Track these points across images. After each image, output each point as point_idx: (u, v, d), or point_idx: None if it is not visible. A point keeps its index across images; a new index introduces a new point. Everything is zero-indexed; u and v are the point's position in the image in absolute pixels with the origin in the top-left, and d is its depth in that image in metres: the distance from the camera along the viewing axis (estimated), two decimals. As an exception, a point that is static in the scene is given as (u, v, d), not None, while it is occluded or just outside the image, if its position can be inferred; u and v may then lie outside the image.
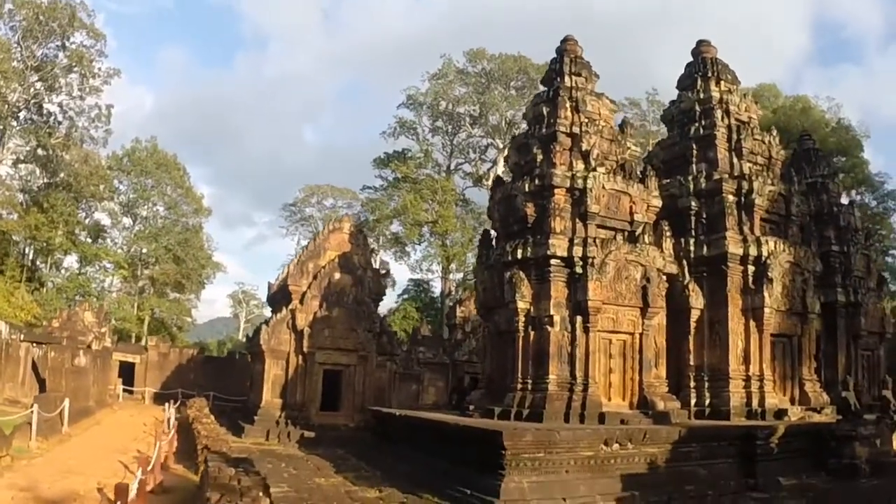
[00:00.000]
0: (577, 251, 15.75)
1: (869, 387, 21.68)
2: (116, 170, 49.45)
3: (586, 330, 15.75)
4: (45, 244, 44.81)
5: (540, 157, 17.00)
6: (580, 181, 16.38)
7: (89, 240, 48.64)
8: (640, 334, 16.35)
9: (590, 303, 15.53)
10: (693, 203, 18.79)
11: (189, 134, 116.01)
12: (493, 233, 18.43)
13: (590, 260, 15.68)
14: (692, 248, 18.44)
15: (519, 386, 16.13)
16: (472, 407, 17.33)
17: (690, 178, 19.07)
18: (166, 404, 24.07)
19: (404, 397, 28.29)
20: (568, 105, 17.61)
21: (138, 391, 32.14)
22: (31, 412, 17.09)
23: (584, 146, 16.93)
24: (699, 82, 20.30)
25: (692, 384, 18.27)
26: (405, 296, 53.02)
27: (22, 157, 44.30)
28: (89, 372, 24.11)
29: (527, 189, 16.88)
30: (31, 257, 46.63)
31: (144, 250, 49.99)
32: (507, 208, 17.58)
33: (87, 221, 49.18)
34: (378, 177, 55.05)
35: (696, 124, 19.64)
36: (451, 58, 51.96)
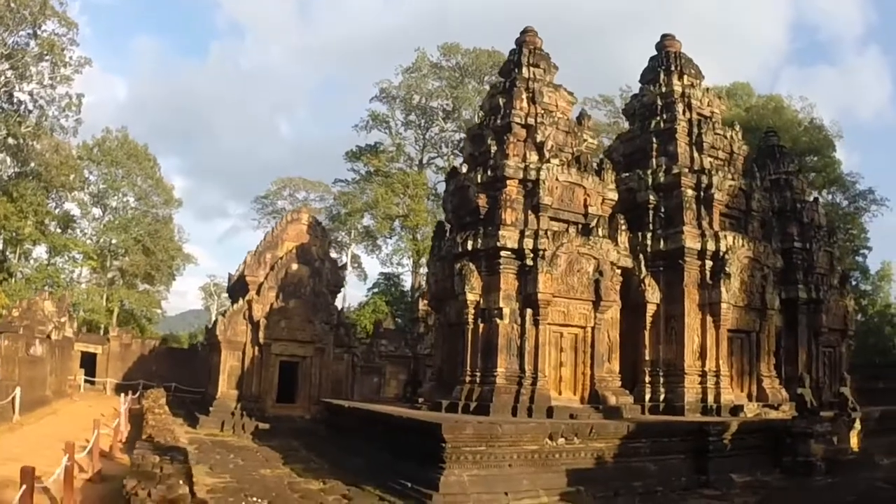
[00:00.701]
0: (528, 243, 15.37)
1: (830, 384, 21.46)
2: (87, 160, 48.53)
3: (536, 323, 15.39)
4: (13, 234, 43.96)
5: (494, 148, 16.62)
6: (533, 172, 16.00)
7: (59, 230, 47.81)
8: (593, 328, 16.02)
9: (540, 295, 15.16)
10: (651, 197, 18.47)
11: (163, 124, 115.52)
12: (447, 225, 18.01)
13: (541, 252, 15.32)
14: (649, 242, 18.12)
15: (468, 379, 15.77)
16: (421, 399, 16.98)
17: (650, 171, 18.76)
18: (123, 395, 23.56)
19: (366, 390, 27.89)
20: (524, 96, 17.23)
21: (100, 382, 31.54)
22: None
23: (539, 137, 16.56)
24: (662, 76, 20.00)
25: (647, 379, 18.00)
26: (375, 289, 52.46)
27: (-7, 147, 43.42)
28: (46, 361, 23.51)
29: (479, 180, 16.49)
30: (-1, 247, 45.84)
31: (114, 241, 49.07)
32: (460, 199, 17.19)
33: (56, 211, 48.32)
34: (350, 170, 54.57)
35: (658, 118, 19.32)
36: (425, 51, 51.48)
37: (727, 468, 14.57)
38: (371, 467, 14.39)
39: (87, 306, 46.52)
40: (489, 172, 16.37)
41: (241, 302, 24.12)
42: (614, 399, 15.80)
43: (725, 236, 17.84)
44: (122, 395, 24.06)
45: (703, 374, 17.60)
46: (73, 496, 10.51)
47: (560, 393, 15.78)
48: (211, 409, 23.15)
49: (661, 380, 17.83)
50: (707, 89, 20.14)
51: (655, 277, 18.12)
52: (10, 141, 42.70)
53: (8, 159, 44.53)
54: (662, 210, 18.44)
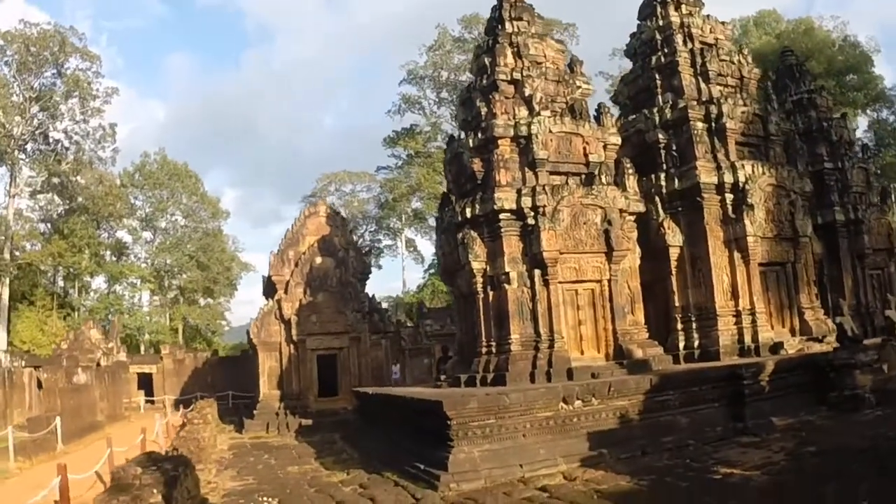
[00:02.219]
0: (527, 201, 14.38)
1: (882, 308, 19.81)
2: (130, 186, 49.26)
3: (546, 283, 14.41)
4: (70, 270, 44.86)
5: (484, 110, 15.60)
6: (524, 128, 14.98)
7: (114, 258, 48.63)
8: (609, 280, 14.91)
9: (545, 254, 14.16)
10: (660, 136, 17.27)
11: (206, 139, 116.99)
12: (452, 196, 17.10)
13: (541, 209, 14.32)
14: (664, 182, 16.96)
15: (483, 350, 14.92)
16: (443, 377, 16.21)
17: (656, 110, 17.55)
18: (179, 410, 23.56)
19: (417, 372, 27.32)
20: (509, 52, 16.19)
21: (158, 400, 31.74)
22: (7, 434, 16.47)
23: (528, 91, 15.52)
24: (658, 9, 18.67)
25: (679, 326, 16.92)
26: (432, 270, 51.76)
27: (38, 188, 44.26)
28: (92, 388, 23.60)
29: (471, 144, 15.56)
30: (60, 284, 46.79)
31: (168, 261, 49.78)
32: (457, 167, 16.29)
33: (109, 241, 49.20)
34: (391, 156, 53.97)
35: (658, 53, 18.05)
36: (446, 27, 50.43)
37: (767, 411, 13.32)
38: (393, 452, 13.80)
39: (151, 328, 47.21)
40: (479, 135, 15.42)
41: (270, 302, 23.74)
42: (640, 352, 14.70)
43: (743, 166, 16.53)
44: (179, 409, 24.07)
45: (738, 314, 16.36)
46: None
47: (582, 353, 14.77)
48: (255, 412, 22.89)
49: (694, 325, 16.68)
50: (708, 16, 18.66)
51: (675, 219, 16.95)
52: (54, 180, 43.44)
53: (56, 198, 45.37)
54: (674, 148, 17.20)
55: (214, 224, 53.60)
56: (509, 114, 15.29)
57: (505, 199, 14.44)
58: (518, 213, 14.50)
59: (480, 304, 15.07)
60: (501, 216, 14.50)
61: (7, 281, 39.50)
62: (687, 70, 17.50)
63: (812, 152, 19.93)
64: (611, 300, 14.89)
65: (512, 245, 14.59)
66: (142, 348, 45.26)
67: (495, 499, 10.11)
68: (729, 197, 16.50)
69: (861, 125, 45.29)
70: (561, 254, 14.39)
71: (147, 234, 51.28)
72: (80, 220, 44.43)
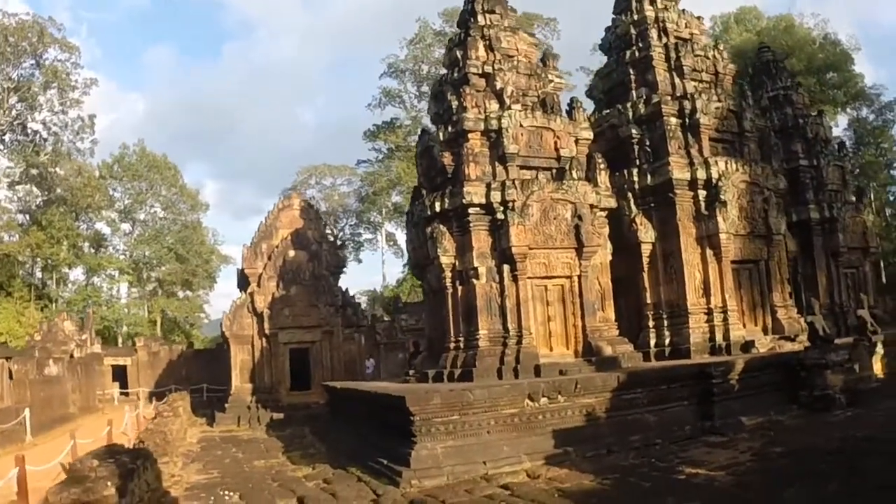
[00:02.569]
0: (496, 196, 14.12)
1: (855, 307, 19.72)
2: (109, 178, 48.62)
3: (515, 279, 14.17)
4: (48, 261, 44.26)
5: (455, 103, 15.31)
6: (494, 122, 14.71)
7: (92, 250, 48.02)
8: (579, 276, 14.67)
9: (514, 249, 13.90)
10: (634, 131, 17.05)
11: (186, 132, 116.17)
12: (423, 190, 16.82)
13: (510, 204, 14.05)
14: (636, 178, 16.74)
15: (452, 345, 14.68)
16: (412, 371, 15.96)
17: (629, 104, 17.29)
18: (152, 402, 23.21)
19: (392, 366, 27.12)
20: (481, 45, 15.90)
21: (133, 392, 31.31)
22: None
23: (499, 84, 15.24)
24: (633, 3, 18.43)
25: (651, 324, 16.73)
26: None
27: (16, 179, 43.60)
28: (65, 380, 23.22)
29: (442, 138, 15.29)
30: (38, 276, 46.17)
31: (147, 253, 49.18)
32: (428, 160, 16.02)
33: (87, 233, 48.56)
34: (371, 149, 53.54)
35: (633, 48, 17.79)
36: (427, 21, 50.04)
37: (736, 411, 13.11)
38: (359, 447, 13.61)
39: (129, 321, 46.67)
40: (450, 128, 15.15)
41: (243, 295, 23.41)
42: (610, 349, 14.49)
43: (717, 162, 16.33)
44: (153, 402, 23.71)
45: (710, 312, 16.18)
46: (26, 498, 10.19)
47: (551, 349, 14.55)
48: (227, 405, 22.59)
49: (665, 323, 16.48)
50: (683, 11, 18.44)
51: (648, 215, 16.75)
52: (33, 171, 42.81)
53: (34, 189, 44.74)
54: (647, 143, 17.00)
55: (194, 216, 53.09)
56: (480, 107, 15.03)
57: (474, 193, 14.18)
58: (487, 208, 14.25)
59: (449, 299, 14.82)
60: (470, 210, 14.24)
61: (-17, 272, 38.91)
62: (661, 65, 17.27)
63: (787, 149, 19.80)
64: (581, 296, 14.66)
65: (481, 240, 14.33)
66: (119, 341, 44.72)
67: (456, 496, 9.90)
68: (702, 193, 16.31)
69: (841, 123, 45.40)
70: (530, 249, 14.15)
71: (126, 226, 50.74)
72: (59, 211, 43.85)
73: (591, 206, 14.84)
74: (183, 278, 50.64)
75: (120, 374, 32.42)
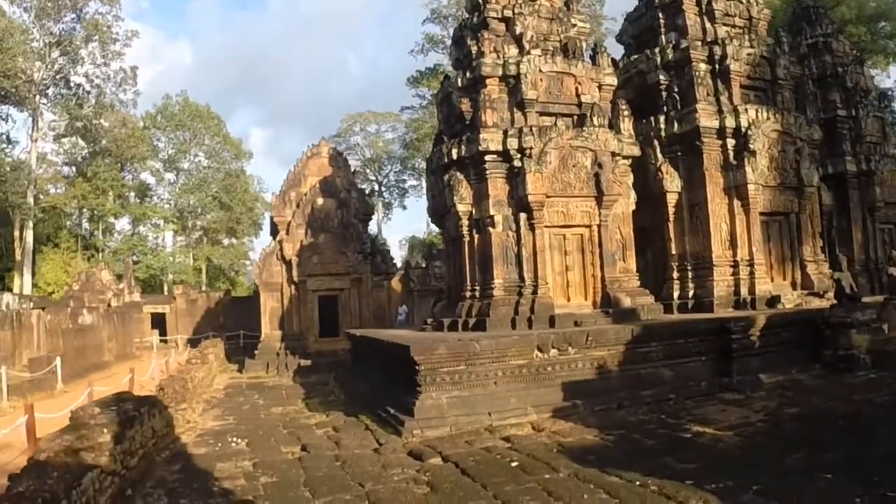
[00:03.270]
0: (513, 143, 13.54)
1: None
2: (152, 128, 48.84)
3: (532, 227, 13.65)
4: (94, 212, 44.83)
5: (474, 49, 14.65)
6: (513, 67, 14.05)
7: (137, 200, 48.52)
8: (599, 226, 14.08)
9: (531, 197, 13.37)
10: (662, 77, 16.24)
11: (234, 80, 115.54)
12: (444, 137, 16.30)
13: (527, 151, 13.48)
14: (663, 126, 16.00)
15: (468, 294, 14.30)
16: (429, 320, 15.64)
17: (658, 50, 16.44)
18: (188, 349, 23.44)
19: (425, 313, 26.77)
20: (502, -14, 15.14)
21: (171, 339, 31.70)
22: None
23: (519, 29, 14.54)
24: (665, -57, 17.34)
25: (675, 275, 16.12)
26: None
27: (62, 132, 44.02)
28: (99, 329, 23.48)
29: (460, 84, 14.71)
30: (84, 227, 46.86)
31: (191, 202, 49.51)
32: (448, 107, 15.45)
33: (132, 183, 49.04)
34: (415, 96, 52.60)
35: (662, -10, 16.82)
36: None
37: (755, 368, 12.54)
38: (373, 395, 13.40)
39: (174, 269, 47.22)
40: (468, 74, 14.55)
41: (272, 243, 23.30)
42: (629, 301, 13.94)
43: (747, 110, 15.48)
44: (188, 349, 23.92)
45: (735, 265, 15.51)
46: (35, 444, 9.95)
47: (568, 299, 14.07)
48: (256, 352, 22.65)
49: (690, 275, 15.86)
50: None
51: (674, 164, 16.03)
52: (77, 124, 43.13)
53: (80, 141, 45.13)
54: (675, 90, 16.17)
55: (237, 165, 53.12)
56: (499, 52, 14.37)
57: (491, 140, 13.63)
58: (504, 155, 13.70)
59: (466, 247, 14.42)
60: (487, 158, 13.71)
61: (31, 224, 39.59)
62: (691, 9, 16.34)
63: (825, 99, 18.73)
64: (600, 246, 14.09)
65: (497, 187, 13.83)
66: (165, 289, 45.35)
67: (455, 447, 9.60)
68: (730, 142, 15.52)
69: (893, 75, 43.11)
70: (548, 197, 13.60)
71: (170, 176, 51.06)
72: (104, 162, 44.22)
73: (613, 154, 14.18)
74: (227, 226, 50.94)
75: (159, 322, 32.84)
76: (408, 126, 54.62)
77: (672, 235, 16.06)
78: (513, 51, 14.34)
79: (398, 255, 48.71)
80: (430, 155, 15.99)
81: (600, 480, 7.35)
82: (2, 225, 40.88)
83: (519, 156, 13.56)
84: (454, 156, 14.19)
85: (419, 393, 10.88)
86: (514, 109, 14.13)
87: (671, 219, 16.01)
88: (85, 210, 44.98)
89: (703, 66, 15.74)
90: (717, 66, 15.79)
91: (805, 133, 16.29)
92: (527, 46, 14.31)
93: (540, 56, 14.20)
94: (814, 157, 16.59)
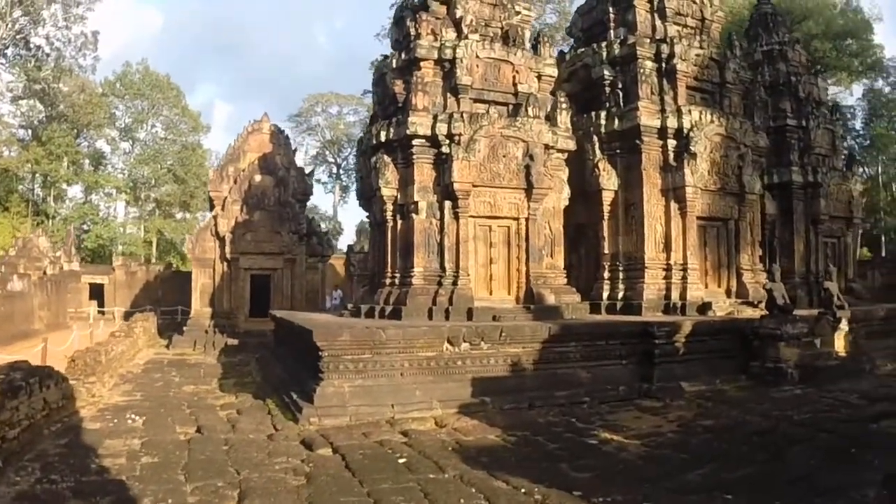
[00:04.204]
0: (442, 128, 12.93)
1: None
2: (111, 95, 47.44)
3: (456, 216, 13.09)
4: (47, 177, 43.46)
5: (412, 31, 13.99)
6: (449, 51, 13.45)
7: (91, 168, 47.12)
8: (527, 219, 13.54)
9: (456, 185, 12.78)
10: (606, 72, 15.68)
11: (201, 51, 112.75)
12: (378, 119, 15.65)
13: (455, 137, 12.87)
14: (604, 122, 15.45)
15: (387, 281, 13.73)
16: (349, 306, 15.03)
17: (604, 44, 15.90)
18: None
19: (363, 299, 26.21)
20: (446, -30, 14.50)
21: (109, 311, 30.70)
22: None
23: (459, 13, 13.91)
24: (622, -64, 16.79)
25: (606, 275, 15.61)
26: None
27: (19, 94, 42.55)
28: (30, 296, 22.53)
29: (394, 65, 14.11)
30: (37, 193, 45.43)
31: (145, 173, 48.19)
32: (382, 89, 14.83)
33: (87, 150, 47.62)
34: (379, 79, 51.61)
35: (615, -15, 16.29)
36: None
37: (678, 376, 12.10)
38: (285, 379, 12.84)
39: (124, 240, 45.98)
40: (403, 56, 13.94)
41: (207, 218, 22.51)
42: (553, 298, 13.42)
43: (690, 111, 15.01)
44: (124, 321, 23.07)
45: (668, 268, 15.05)
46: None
47: (491, 293, 13.55)
48: (185, 328, 21.86)
49: (621, 275, 15.37)
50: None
51: (613, 161, 15.52)
52: (35, 87, 41.71)
53: (38, 104, 43.68)
54: (620, 86, 15.62)
55: (195, 138, 51.81)
56: (436, 35, 13.76)
57: (419, 123, 13.00)
58: (433, 140, 13.09)
59: (389, 233, 13.83)
60: (415, 142, 13.10)
61: (-20, 186, 38.20)
62: (643, 5, 15.82)
63: (776, 107, 18.34)
64: (527, 240, 13.57)
65: (424, 173, 13.22)
66: (114, 260, 44.19)
67: (350, 438, 9.04)
68: (671, 143, 15.05)
69: (856, 93, 43.29)
70: (475, 186, 13.02)
71: (125, 145, 49.67)
72: (60, 128, 42.82)
73: (547, 147, 13.64)
74: (181, 200, 49.69)
75: (98, 293, 31.80)
76: (370, 109, 53.67)
77: (606, 234, 15.57)
78: (451, 34, 13.74)
79: (352, 239, 47.96)
80: (362, 136, 15.35)
81: (484, 484, 6.83)
82: (-50, 186, 39.46)
83: (448, 142, 12.97)
84: (382, 138, 13.57)
85: (321, 380, 10.33)
86: (448, 94, 13.54)
87: (606, 217, 15.51)
88: (38, 175, 43.56)
89: (649, 63, 15.25)
90: (663, 65, 15.30)
91: (750, 139, 15.89)
92: (465, 31, 13.71)
93: (478, 41, 13.62)
94: (758, 165, 16.21)
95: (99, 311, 30.31)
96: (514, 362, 11.40)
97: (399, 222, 13.60)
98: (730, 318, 13.96)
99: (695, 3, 16.20)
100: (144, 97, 48.01)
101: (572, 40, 17.98)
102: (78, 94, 43.26)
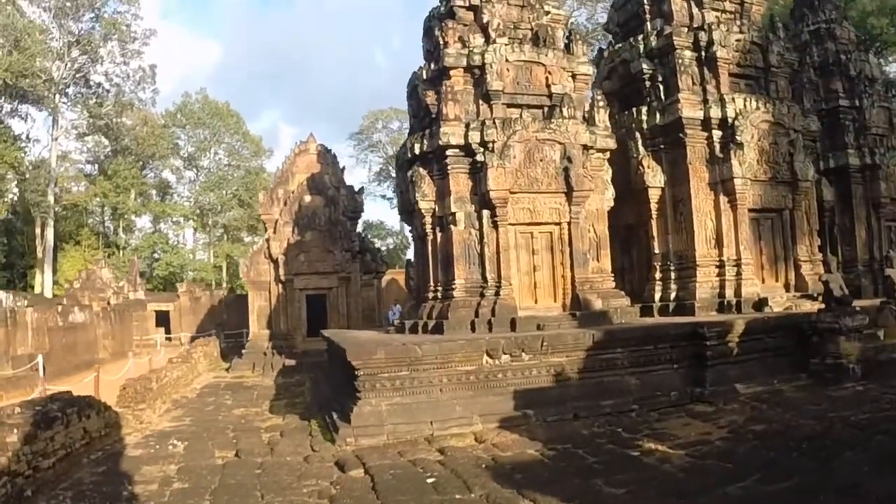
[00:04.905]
0: (474, 136, 12.61)
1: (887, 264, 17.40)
2: (172, 126, 48.76)
3: (495, 225, 12.72)
4: (115, 209, 44.91)
5: (441, 40, 13.75)
6: (477, 57, 13.13)
7: (158, 198, 48.49)
8: (569, 223, 13.08)
9: (492, 193, 12.46)
10: (645, 66, 15.17)
11: (262, 77, 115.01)
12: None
13: (489, 144, 12.57)
14: (644, 117, 14.94)
15: (430, 295, 13.47)
16: (396, 321, 14.85)
17: (641, 37, 15.38)
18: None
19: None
20: (472, -25, 14.24)
21: (175, 337, 31.40)
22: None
23: (486, 17, 13.62)
24: (654, -75, 16.24)
25: (658, 276, 15.06)
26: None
27: (84, 130, 44.14)
28: (92, 326, 23.17)
29: (426, 76, 13.84)
30: (107, 224, 46.95)
31: (211, 199, 49.31)
32: (416, 101, 14.58)
33: (153, 181, 49.04)
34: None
35: (648, -25, 15.75)
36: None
37: (732, 377, 11.44)
38: (331, 398, 12.78)
39: (193, 266, 47.10)
40: (433, 66, 13.70)
41: (260, 241, 22.74)
42: (600, 303, 12.94)
43: (734, 100, 14.36)
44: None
45: (721, 265, 14.39)
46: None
47: (536, 301, 13.12)
48: (244, 351, 22.11)
49: (673, 275, 14.79)
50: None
51: (657, 158, 14.99)
52: (99, 122, 43.21)
53: (103, 139, 45.22)
54: (660, 79, 15.10)
55: (257, 162, 52.81)
56: (464, 42, 13.47)
57: (451, 133, 12.73)
58: (466, 149, 12.79)
59: (430, 246, 13.56)
60: (448, 152, 12.81)
61: (52, 222, 39.71)
62: (678, -7, 15.25)
63: (827, 88, 17.44)
64: (570, 245, 13.10)
65: (460, 183, 12.93)
66: (178, 287, 45.34)
67: (384, 458, 8.87)
68: (716, 134, 14.41)
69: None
70: (512, 193, 12.67)
71: (190, 174, 51.01)
72: (126, 160, 44.25)
73: (585, 147, 13.20)
74: (248, 224, 50.67)
75: (164, 320, 32.59)
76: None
77: (655, 233, 15.01)
78: (479, 40, 13.43)
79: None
80: (399, 150, 15.19)
81: (509, 504, 6.56)
82: (24, 223, 41.11)
83: (482, 150, 12.65)
84: (417, 150, 13.35)
85: (358, 399, 10.15)
86: (480, 101, 13.23)
87: (654, 216, 14.97)
88: (106, 208, 45.06)
89: (687, 53, 14.66)
90: (703, 54, 14.69)
91: (800, 124, 15.11)
92: (493, 35, 13.38)
93: (507, 45, 13.28)
94: (810, 150, 15.42)
95: (166, 338, 31.01)
96: (557, 372, 10.99)
97: (438, 235, 13.34)
98: (786, 313, 13.23)
99: (732, -14, 15.53)
100: (205, 126, 49.24)
101: (611, 37, 17.44)
102: (141, 127, 44.67)
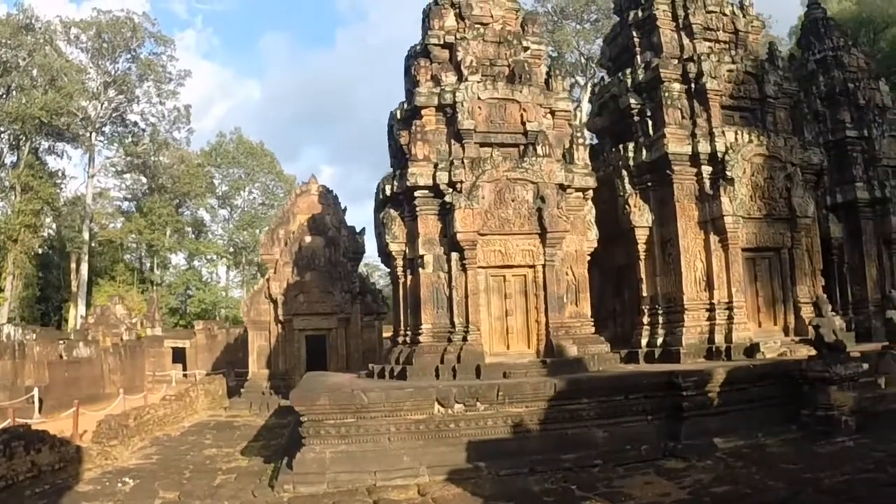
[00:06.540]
0: (442, 177, 12.32)
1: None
2: (207, 165, 49.77)
3: (464, 268, 12.35)
4: (150, 246, 45.89)
5: (414, 79, 13.63)
6: (449, 95, 12.88)
7: (193, 236, 49.39)
8: (544, 266, 12.63)
9: (460, 235, 12.11)
10: (633, 100, 14.74)
11: (304, 117, 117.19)
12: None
13: (457, 185, 12.28)
14: (632, 153, 14.46)
15: (400, 339, 13.19)
16: (370, 366, 14.53)
17: (629, 71, 14.97)
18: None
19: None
20: (450, 13, 14.00)
21: (191, 373, 31.63)
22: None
23: (460, 55, 13.41)
24: (640, -44, 15.93)
25: (646, 320, 14.46)
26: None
27: (122, 168, 45.44)
28: (97, 361, 23.51)
29: (399, 116, 13.69)
30: (142, 260, 47.95)
31: (244, 238, 50.00)
32: (393, 141, 14.42)
33: (188, 218, 50.00)
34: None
35: (637, 8, 15.40)
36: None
37: (712, 430, 10.75)
38: (293, 442, 12.47)
39: (225, 303, 47.67)
40: (406, 105, 13.56)
41: (261, 281, 22.77)
42: (575, 349, 12.38)
43: (724, 133, 13.80)
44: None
45: (711, 308, 13.72)
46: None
47: (508, 347, 12.64)
48: (242, 390, 22.13)
49: (660, 319, 14.17)
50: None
51: (645, 196, 14.48)
52: (136, 161, 44.41)
53: (141, 177, 46.42)
54: (648, 113, 14.62)
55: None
56: (437, 80, 13.30)
57: (419, 174, 12.46)
58: (435, 190, 12.49)
59: (401, 289, 13.29)
60: (417, 193, 12.54)
61: (86, 257, 40.74)
62: (667, 24, 14.81)
63: (833, 118, 16.70)
64: (545, 288, 12.64)
65: (429, 225, 12.63)
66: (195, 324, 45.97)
67: (317, 508, 8.61)
68: (706, 170, 13.84)
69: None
70: (482, 235, 12.30)
71: (224, 212, 51.90)
72: (162, 198, 45.32)
73: (561, 186, 12.77)
74: (282, 263, 51.12)
75: (181, 357, 32.95)
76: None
77: (643, 275, 14.44)
78: (451, 78, 13.22)
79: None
80: (376, 191, 15.02)
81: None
82: (60, 257, 42.26)
83: (450, 190, 12.34)
84: (388, 192, 13.14)
85: (302, 445, 10.00)
86: (452, 141, 12.95)
87: (642, 257, 14.42)
88: (142, 244, 46.09)
89: (675, 85, 14.20)
90: (692, 86, 14.20)
91: (799, 157, 14.44)
92: (465, 73, 13.15)
93: (479, 82, 13.02)
94: (811, 184, 14.71)
95: (183, 374, 31.31)
96: (515, 423, 10.51)
97: (409, 278, 13.05)
98: (775, 360, 12.48)
99: (725, 15, 15.03)
100: (240, 165, 50.12)
101: (605, 72, 17.09)
102: (178, 166, 45.73)
